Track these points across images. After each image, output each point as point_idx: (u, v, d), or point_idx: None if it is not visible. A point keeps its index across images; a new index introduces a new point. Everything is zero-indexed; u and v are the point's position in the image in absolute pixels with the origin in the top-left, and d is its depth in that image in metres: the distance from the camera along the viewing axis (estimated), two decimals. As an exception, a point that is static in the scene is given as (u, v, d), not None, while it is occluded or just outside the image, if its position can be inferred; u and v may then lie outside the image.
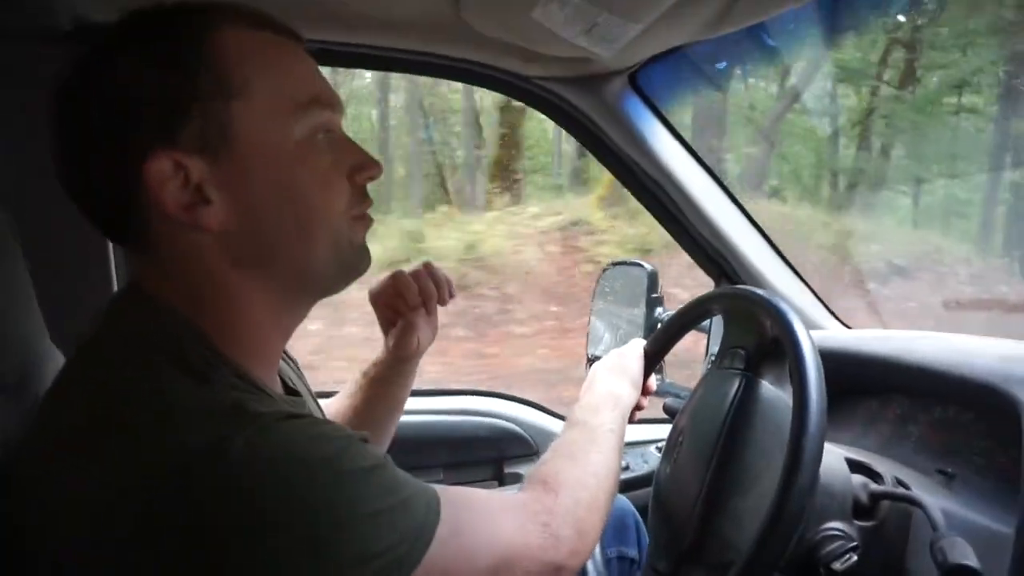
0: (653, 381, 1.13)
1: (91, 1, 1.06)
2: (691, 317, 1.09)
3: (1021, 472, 0.81)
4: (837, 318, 1.58)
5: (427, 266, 1.00)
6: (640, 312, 1.42)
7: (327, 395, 1.06)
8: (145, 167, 0.60)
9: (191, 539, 0.51)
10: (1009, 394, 0.87)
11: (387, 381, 1.03)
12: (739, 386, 0.92)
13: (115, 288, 1.22)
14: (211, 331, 0.64)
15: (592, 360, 1.46)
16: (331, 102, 0.69)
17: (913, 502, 0.86)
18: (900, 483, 0.95)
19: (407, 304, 0.99)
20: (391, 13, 1.15)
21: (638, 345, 1.11)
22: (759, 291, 0.94)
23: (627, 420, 0.99)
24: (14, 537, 0.58)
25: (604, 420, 0.93)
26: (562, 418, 1.64)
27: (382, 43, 1.26)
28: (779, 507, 0.72)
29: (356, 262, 0.72)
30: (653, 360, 1.10)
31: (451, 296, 1.02)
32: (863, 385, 1.20)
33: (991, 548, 0.82)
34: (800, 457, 0.73)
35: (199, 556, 0.51)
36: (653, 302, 1.41)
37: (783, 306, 0.87)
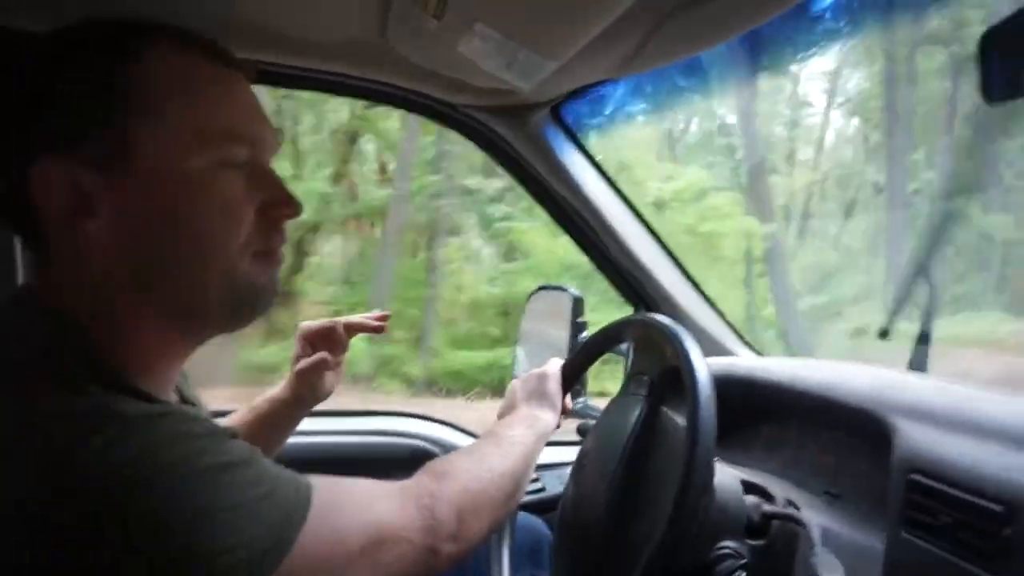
0: (569, 401, 1.16)
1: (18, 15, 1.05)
2: (605, 342, 1.13)
3: (888, 492, 0.87)
4: (748, 345, 1.65)
5: (349, 323, 1.07)
6: (564, 336, 1.46)
7: (220, 414, 1.06)
8: (36, 167, 0.61)
9: (56, 537, 0.52)
10: (881, 418, 0.93)
11: (275, 420, 1.05)
12: (641, 412, 0.96)
13: (19, 280, 1.20)
14: (98, 340, 0.64)
15: None
16: (254, 138, 0.69)
17: (795, 521, 0.91)
18: (791, 503, 1.00)
19: (336, 348, 1.05)
20: (318, 36, 1.17)
21: (556, 365, 1.13)
22: (662, 319, 0.98)
23: (543, 442, 1.00)
24: None
25: (515, 434, 0.95)
26: (479, 438, 1.65)
27: (310, 65, 1.27)
28: (669, 529, 0.76)
29: (252, 300, 0.71)
30: (570, 381, 1.13)
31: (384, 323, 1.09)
32: (765, 410, 1.25)
33: (864, 564, 0.88)
34: (689, 481, 0.77)
35: (64, 553, 0.52)
36: (577, 327, 1.44)
37: (682, 334, 0.91)
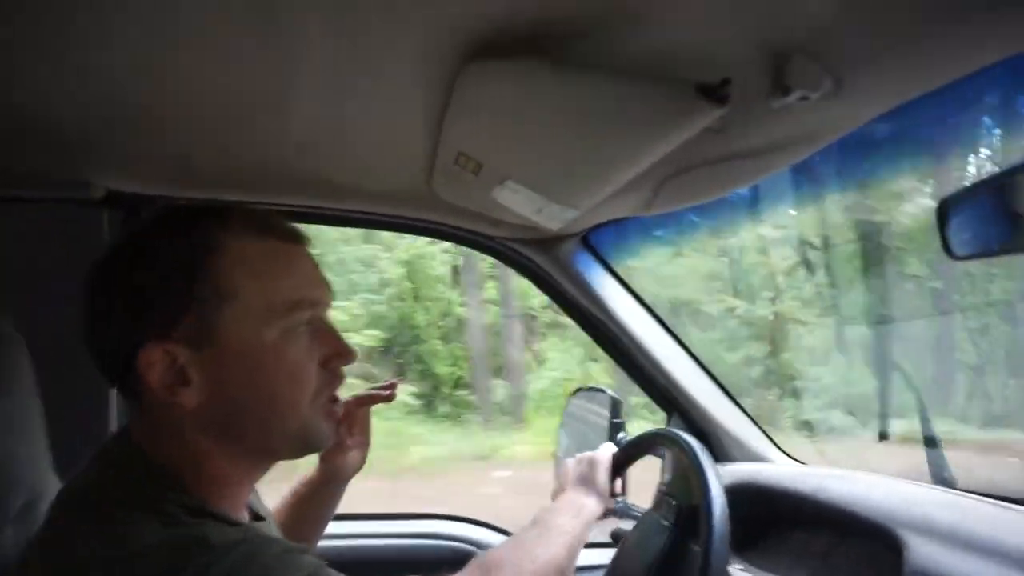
0: (618, 486, 1.22)
1: (118, 178, 1.24)
2: (650, 444, 1.20)
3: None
4: (784, 452, 1.69)
5: (358, 398, 1.13)
6: (603, 437, 1.53)
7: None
8: (141, 352, 0.72)
9: None
10: (893, 533, 0.99)
11: (315, 500, 1.12)
12: (666, 543, 1.02)
13: (113, 425, 1.33)
14: (186, 480, 0.73)
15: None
16: (314, 301, 0.81)
17: None
18: (818, 615, 1.05)
19: (355, 426, 1.12)
20: (370, 185, 1.33)
21: (608, 451, 1.20)
22: (692, 443, 1.05)
23: (588, 529, 1.07)
24: None
25: (561, 522, 1.02)
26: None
27: (360, 208, 1.43)
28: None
29: (316, 445, 0.83)
30: (618, 470, 1.20)
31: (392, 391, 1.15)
32: (793, 519, 1.30)
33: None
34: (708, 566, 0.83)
35: None
36: (615, 426, 1.50)
37: (707, 467, 0.98)
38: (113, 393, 1.31)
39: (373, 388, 1.15)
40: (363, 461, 1.15)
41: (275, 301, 0.76)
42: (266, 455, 0.82)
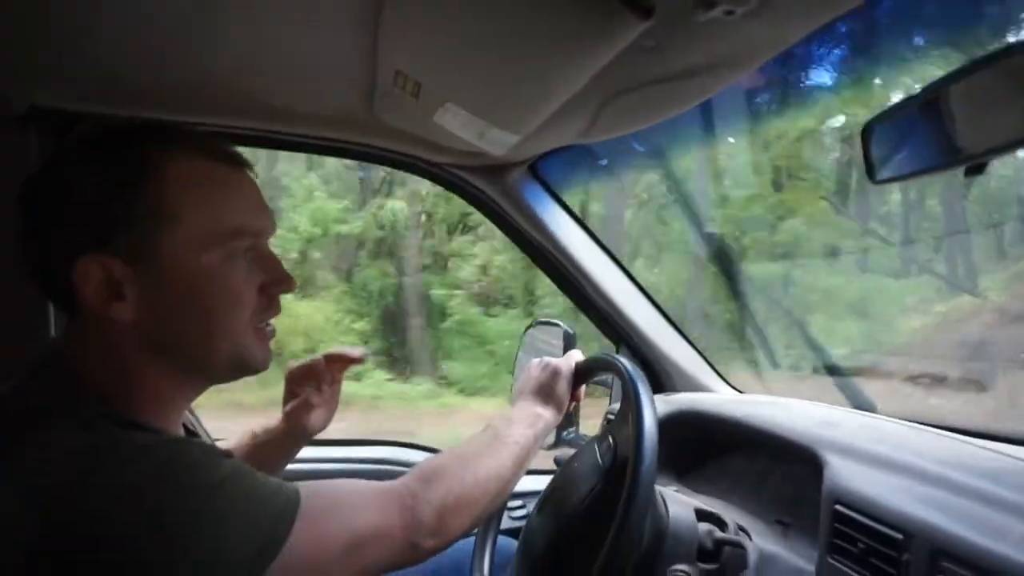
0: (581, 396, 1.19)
1: (43, 91, 1.20)
2: (598, 368, 1.14)
3: (820, 519, 0.96)
4: (725, 380, 1.73)
5: (328, 356, 1.14)
6: None
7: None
8: (77, 263, 0.72)
9: (67, 553, 0.61)
10: (816, 453, 1.03)
11: (272, 450, 1.13)
12: (597, 486, 0.99)
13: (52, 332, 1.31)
14: (113, 393, 0.74)
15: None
16: (256, 230, 0.81)
17: (738, 546, 1.01)
18: (742, 530, 1.10)
19: (323, 383, 1.13)
20: (314, 108, 1.30)
21: (573, 360, 1.15)
22: (618, 358, 1.05)
23: (542, 439, 1.05)
24: None
25: (513, 432, 0.99)
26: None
27: (302, 132, 1.40)
28: (610, 552, 0.84)
29: (249, 367, 0.83)
30: (578, 383, 1.15)
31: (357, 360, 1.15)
32: (726, 444, 1.34)
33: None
34: (627, 516, 0.84)
35: (73, 567, 0.61)
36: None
37: (639, 382, 0.96)
38: (51, 311, 1.29)
39: (346, 348, 1.15)
40: (327, 421, 1.15)
41: (217, 227, 0.77)
42: (200, 375, 0.83)
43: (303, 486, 0.74)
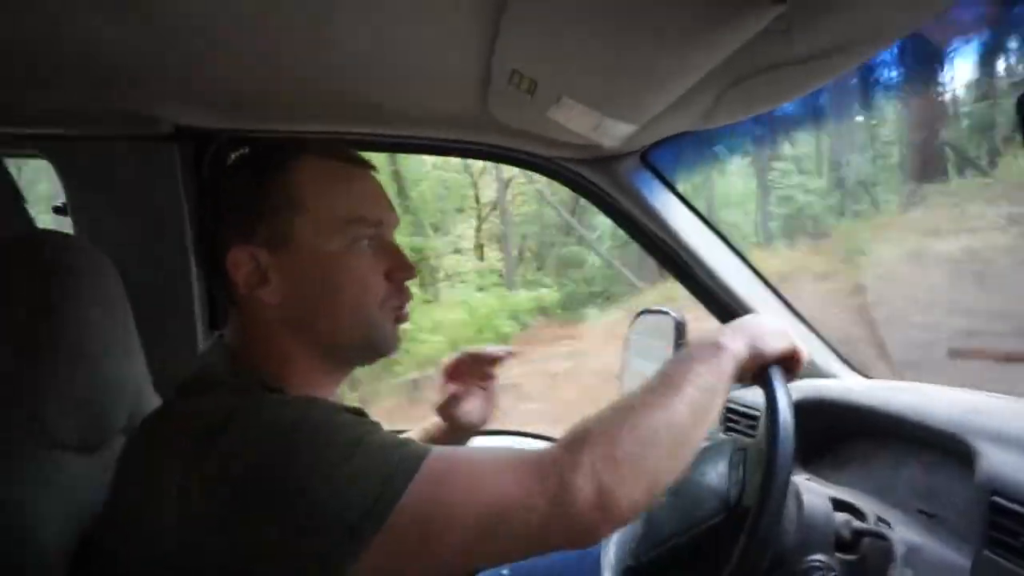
0: None
1: (187, 114, 1.29)
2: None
3: (970, 511, 0.92)
4: (852, 367, 1.67)
5: (473, 354, 1.16)
6: (668, 357, 1.52)
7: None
8: (229, 253, 0.85)
9: (230, 506, 0.67)
10: (966, 442, 0.98)
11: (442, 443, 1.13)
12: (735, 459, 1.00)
13: (199, 338, 1.39)
14: (267, 369, 0.85)
15: None
16: (375, 219, 0.90)
17: (881, 537, 0.97)
18: (882, 521, 1.06)
19: (472, 378, 1.16)
20: (426, 109, 1.33)
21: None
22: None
23: (729, 383, 0.85)
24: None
25: (687, 371, 0.82)
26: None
27: (416, 134, 1.44)
28: (749, 535, 0.84)
29: (383, 347, 0.91)
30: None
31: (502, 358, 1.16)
32: (860, 432, 1.30)
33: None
34: (766, 501, 0.84)
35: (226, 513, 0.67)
36: (680, 348, 1.51)
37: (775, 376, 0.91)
38: (199, 315, 1.39)
39: (494, 348, 1.16)
40: (485, 415, 1.16)
41: (339, 214, 0.87)
42: (336, 354, 0.90)
43: (434, 449, 0.73)
